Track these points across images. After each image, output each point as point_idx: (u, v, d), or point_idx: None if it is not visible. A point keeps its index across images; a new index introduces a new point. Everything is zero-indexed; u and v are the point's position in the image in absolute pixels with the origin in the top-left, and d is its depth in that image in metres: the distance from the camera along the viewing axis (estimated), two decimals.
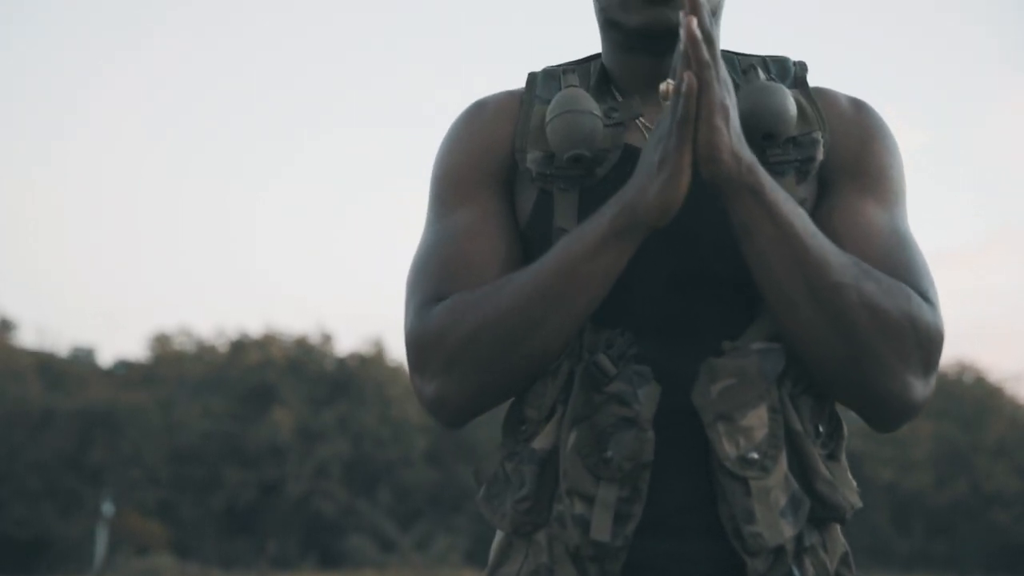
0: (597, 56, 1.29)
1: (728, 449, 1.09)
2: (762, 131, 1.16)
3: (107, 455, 27.50)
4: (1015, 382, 32.38)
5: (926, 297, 1.14)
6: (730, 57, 1.27)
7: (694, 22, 1.02)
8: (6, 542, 26.06)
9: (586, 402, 1.12)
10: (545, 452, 1.14)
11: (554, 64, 1.28)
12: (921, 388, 1.12)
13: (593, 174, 1.17)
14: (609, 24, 1.23)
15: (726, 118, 1.04)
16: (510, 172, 1.22)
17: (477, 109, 1.27)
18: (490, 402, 1.16)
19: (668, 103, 1.06)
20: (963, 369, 31.06)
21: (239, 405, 30.46)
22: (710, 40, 1.03)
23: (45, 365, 29.67)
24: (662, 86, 1.08)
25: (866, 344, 1.09)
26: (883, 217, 1.19)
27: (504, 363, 1.12)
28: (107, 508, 26.25)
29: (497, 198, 1.21)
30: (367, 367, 32.47)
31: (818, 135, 1.19)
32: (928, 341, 1.11)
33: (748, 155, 1.07)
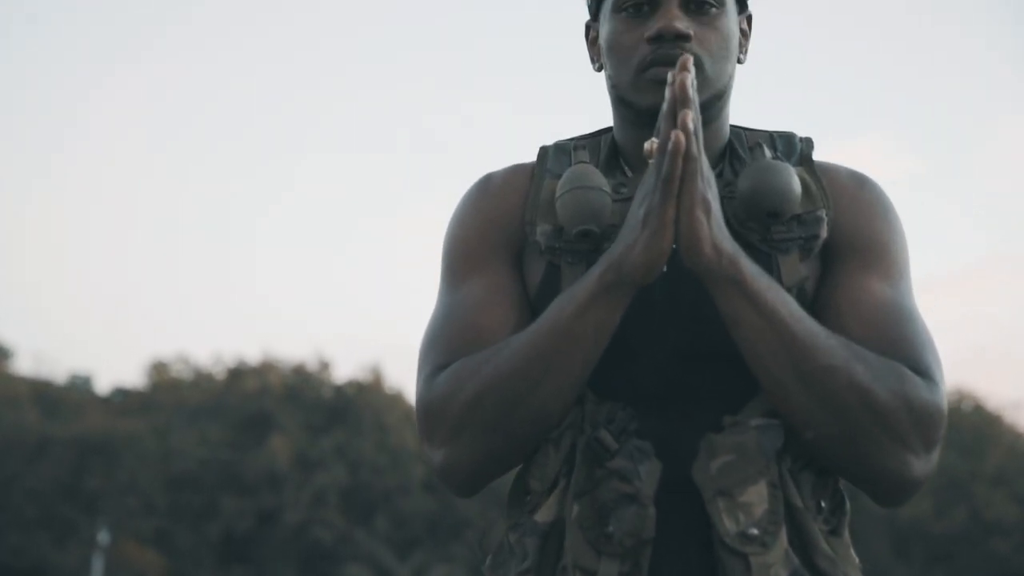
0: (608, 130, 1.31)
1: (728, 525, 1.11)
2: (767, 209, 1.18)
3: (103, 483, 27.38)
4: (1014, 410, 32.32)
5: (927, 374, 1.15)
6: (738, 132, 1.30)
7: (682, 79, 1.05)
8: (2, 571, 25.91)
9: (588, 477, 1.14)
10: (548, 524, 1.15)
11: (565, 138, 1.31)
12: (921, 465, 1.13)
13: (601, 249, 1.19)
14: (620, 101, 1.25)
15: (707, 211, 1.07)
16: (519, 243, 1.25)
17: (485, 183, 1.30)
18: (497, 468, 1.18)
19: (653, 161, 1.08)
20: (961, 397, 31.00)
21: (236, 433, 30.37)
22: (697, 135, 1.06)
23: (41, 392, 29.57)
24: (646, 145, 1.10)
25: (859, 425, 1.10)
26: (886, 293, 1.20)
27: (507, 425, 1.13)
28: (103, 537, 26.11)
29: (507, 269, 1.23)
30: (365, 394, 32.40)
31: (822, 213, 1.21)
32: (925, 419, 1.12)
33: (730, 247, 1.09)
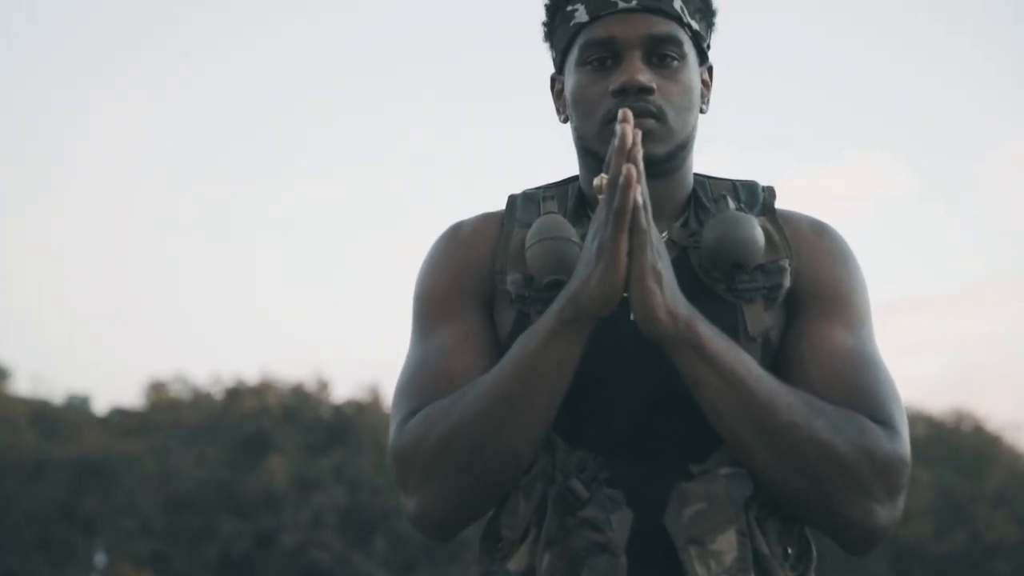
0: (575, 178, 1.33)
1: (700, 572, 1.13)
2: (731, 260, 1.21)
3: (100, 505, 27.32)
4: (1014, 430, 32.27)
5: (888, 423, 1.17)
6: (702, 182, 1.32)
7: (628, 128, 1.07)
8: None
9: (559, 526, 1.15)
10: (519, 573, 1.17)
11: (534, 187, 1.33)
12: (886, 513, 1.15)
13: None
14: (586, 152, 1.27)
15: (659, 280, 1.08)
16: (490, 292, 1.26)
17: (455, 231, 1.31)
18: (470, 512, 1.19)
19: (603, 196, 1.09)
20: (961, 418, 30.98)
21: (234, 453, 30.32)
22: (646, 207, 1.08)
23: (39, 413, 29.54)
24: (596, 180, 1.12)
25: (821, 479, 1.12)
26: (848, 341, 1.22)
27: (477, 466, 1.14)
28: (100, 559, 26.05)
29: (477, 316, 1.25)
30: (363, 414, 32.37)
31: (785, 262, 1.23)
32: (887, 469, 1.14)
33: (685, 311, 1.11)
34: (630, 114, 1.09)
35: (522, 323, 1.22)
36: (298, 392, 33.00)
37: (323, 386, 33.44)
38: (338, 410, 33.06)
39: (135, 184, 41.96)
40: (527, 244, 1.22)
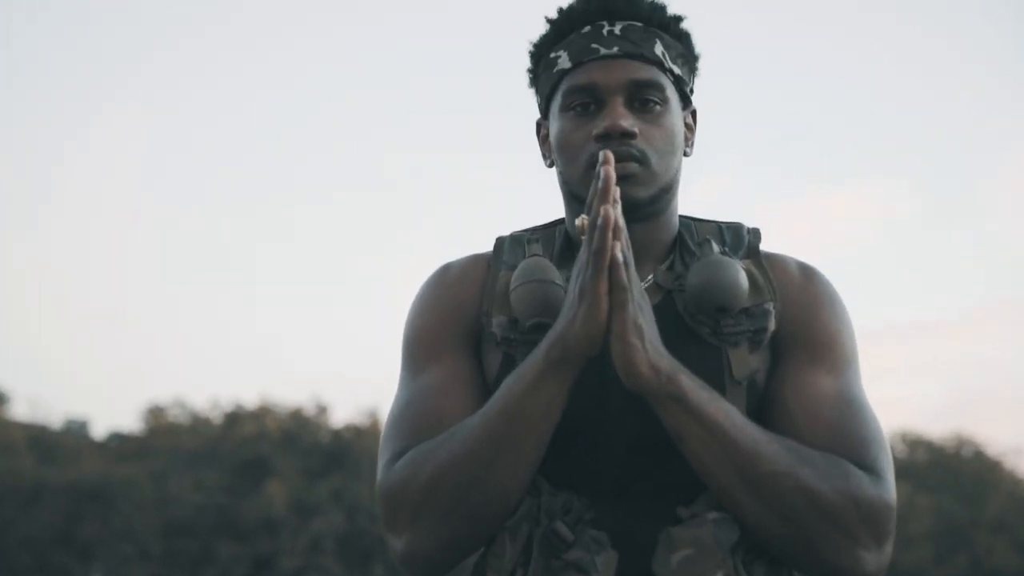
0: (562, 221, 1.34)
1: None
2: (715, 304, 1.21)
3: (98, 529, 27.21)
4: (1015, 456, 32.16)
5: (873, 469, 1.17)
6: (688, 224, 1.33)
7: (610, 171, 1.08)
8: None
9: (545, 568, 1.16)
10: None
11: (521, 229, 1.34)
12: (873, 559, 1.15)
13: None
14: (571, 196, 1.28)
15: (640, 335, 1.09)
16: (477, 332, 1.27)
17: (443, 273, 1.32)
18: (458, 553, 1.19)
19: (584, 237, 1.10)
20: (961, 442, 30.89)
21: (232, 478, 30.22)
22: (628, 263, 1.09)
23: (37, 438, 29.46)
24: (577, 221, 1.13)
25: (808, 527, 1.13)
26: (833, 386, 1.22)
27: (465, 507, 1.15)
28: None
29: (464, 358, 1.26)
30: (362, 439, 32.28)
31: (770, 305, 1.24)
32: (873, 515, 1.14)
33: (667, 365, 1.11)
34: (611, 155, 1.10)
35: (508, 365, 1.22)
36: (297, 417, 32.92)
37: (322, 410, 33.37)
38: (337, 435, 32.98)
39: (133, 208, 42.05)
40: (511, 287, 1.22)
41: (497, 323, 1.24)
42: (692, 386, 1.12)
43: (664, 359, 1.11)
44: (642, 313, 1.10)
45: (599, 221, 1.06)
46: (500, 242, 1.32)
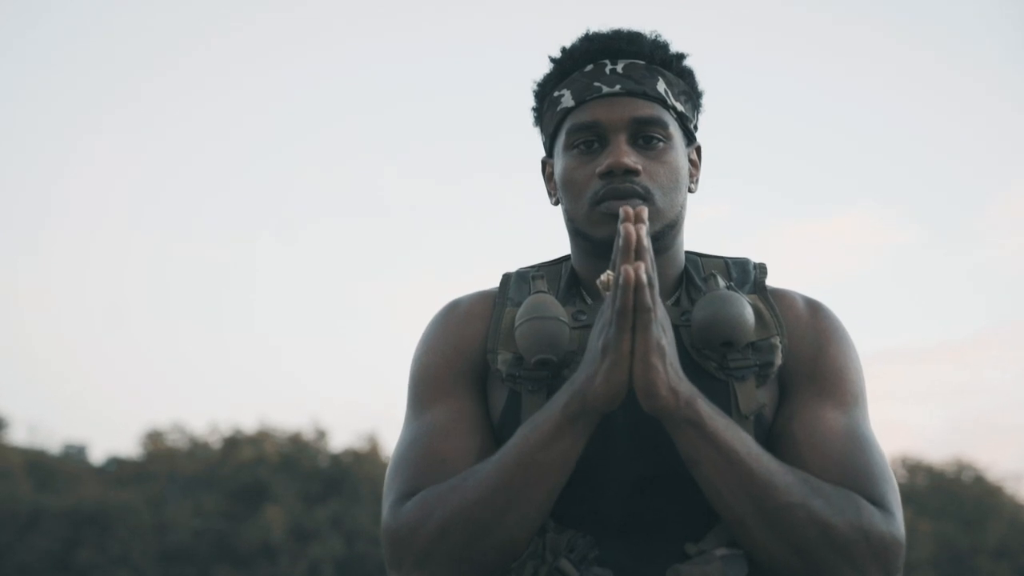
0: (568, 257, 1.34)
1: None
2: (721, 339, 1.21)
3: (96, 555, 27.10)
4: (1015, 481, 32.05)
5: (883, 504, 1.17)
6: (694, 260, 1.33)
7: (631, 228, 1.08)
8: None
9: None
10: None
11: (527, 266, 1.35)
12: None
13: (560, 376, 1.21)
14: (577, 233, 1.29)
15: (662, 356, 1.09)
16: (483, 370, 1.27)
17: (450, 310, 1.32)
18: None
19: (608, 294, 1.10)
20: (961, 467, 30.82)
21: (231, 503, 30.13)
22: (652, 284, 1.08)
23: (35, 463, 29.40)
24: (602, 276, 1.12)
25: (819, 560, 1.12)
26: (841, 421, 1.22)
27: (474, 555, 1.14)
28: None
29: (470, 396, 1.26)
30: (361, 463, 32.21)
31: (776, 340, 1.24)
32: (883, 550, 1.14)
33: (686, 388, 1.11)
34: (631, 211, 1.09)
35: (514, 402, 1.22)
36: (296, 441, 32.86)
37: (321, 435, 33.31)
38: (336, 459, 32.90)
39: (132, 233, 42.05)
40: (516, 324, 1.23)
41: (502, 360, 1.24)
42: (709, 412, 1.12)
43: (683, 383, 1.11)
44: (664, 335, 1.10)
45: (621, 280, 1.06)
46: (506, 278, 1.32)
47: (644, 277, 1.06)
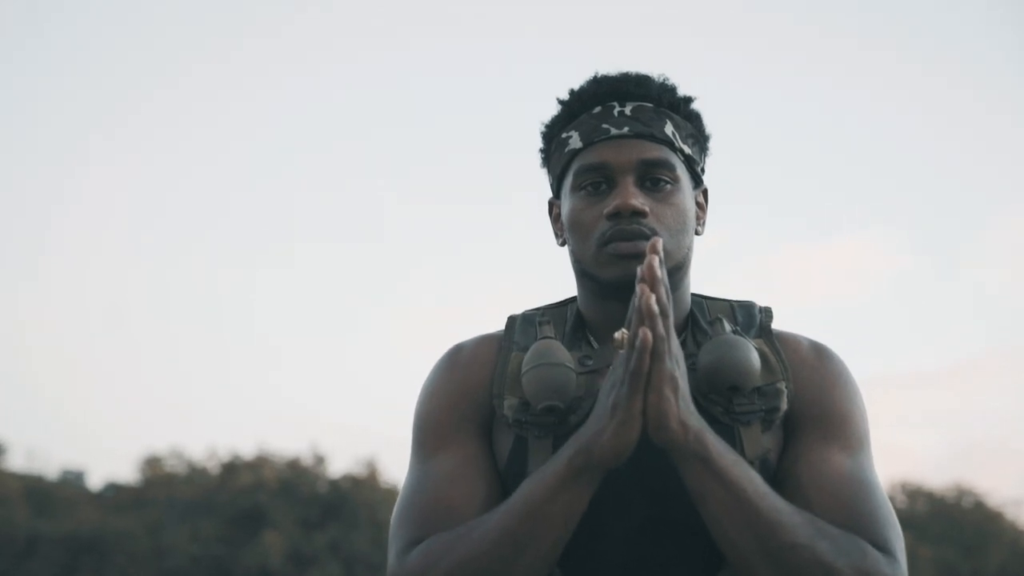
0: (574, 299, 1.34)
1: None
2: (727, 384, 1.21)
3: None
4: (1015, 507, 31.88)
5: (886, 549, 1.17)
6: (700, 303, 1.33)
7: (649, 293, 1.07)
8: None
9: None
10: None
11: (532, 308, 1.34)
12: None
13: (567, 422, 1.21)
14: (584, 275, 1.29)
15: (675, 389, 1.09)
16: (488, 415, 1.27)
17: (454, 355, 1.32)
18: None
19: (622, 352, 1.10)
20: (961, 493, 30.71)
21: (229, 528, 30.00)
22: (665, 314, 1.08)
23: (33, 488, 29.28)
24: (617, 334, 1.12)
25: None
26: (846, 465, 1.22)
27: None
28: None
29: (475, 441, 1.25)
30: (360, 489, 32.09)
31: (782, 385, 1.24)
32: None
33: (696, 423, 1.11)
34: (655, 243, 1.09)
35: (520, 447, 1.22)
36: (294, 466, 32.75)
37: (319, 460, 33.21)
38: (335, 485, 32.78)
39: (130, 258, 42.08)
40: (523, 370, 1.22)
41: (508, 405, 1.24)
42: (719, 447, 1.11)
43: (693, 416, 1.11)
44: (678, 368, 1.10)
45: (638, 342, 1.06)
46: (512, 321, 1.32)
47: (655, 307, 1.06)
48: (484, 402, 1.27)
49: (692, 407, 1.11)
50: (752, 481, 1.12)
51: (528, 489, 1.14)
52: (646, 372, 1.06)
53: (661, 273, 1.09)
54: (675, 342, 1.10)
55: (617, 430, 1.08)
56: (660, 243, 1.10)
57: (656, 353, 1.07)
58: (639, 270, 1.09)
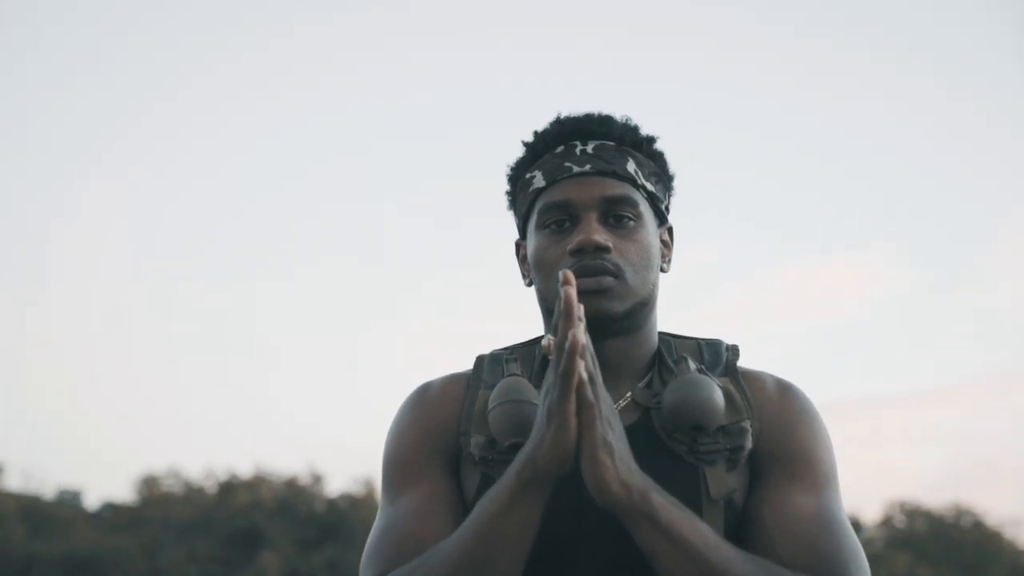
0: (541, 338, 1.34)
1: None
2: (691, 423, 1.21)
3: None
4: (1015, 527, 31.79)
5: None
6: (667, 341, 1.33)
7: (572, 292, 1.07)
8: None
9: None
10: None
11: (501, 348, 1.35)
12: None
13: None
14: (549, 313, 1.29)
15: (610, 452, 1.08)
16: (456, 453, 1.27)
17: (422, 393, 1.33)
18: None
19: (552, 358, 1.10)
20: (960, 513, 30.64)
21: (226, 549, 29.91)
22: (594, 381, 1.08)
23: (29, 508, 29.19)
24: (544, 341, 1.13)
25: None
26: (811, 504, 1.22)
27: None
28: None
29: (444, 479, 1.26)
30: (357, 508, 32.01)
31: (747, 423, 1.24)
32: None
33: (639, 482, 1.11)
34: (571, 275, 1.09)
35: (486, 485, 1.22)
36: (292, 486, 32.67)
37: (317, 480, 33.13)
38: (332, 504, 32.69)
39: (127, 277, 42.09)
40: (489, 407, 1.23)
41: (475, 443, 1.24)
42: (664, 504, 1.11)
43: (635, 476, 1.10)
44: (612, 430, 1.10)
45: (566, 344, 1.06)
46: (480, 360, 1.33)
47: (584, 374, 1.06)
48: (451, 440, 1.27)
49: (633, 465, 1.11)
50: (701, 533, 1.12)
51: (480, 510, 1.14)
52: (575, 373, 1.06)
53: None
54: (606, 404, 1.10)
55: (555, 435, 1.08)
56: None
57: (587, 420, 1.07)
58: (560, 273, 1.08)
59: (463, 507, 1.24)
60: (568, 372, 1.06)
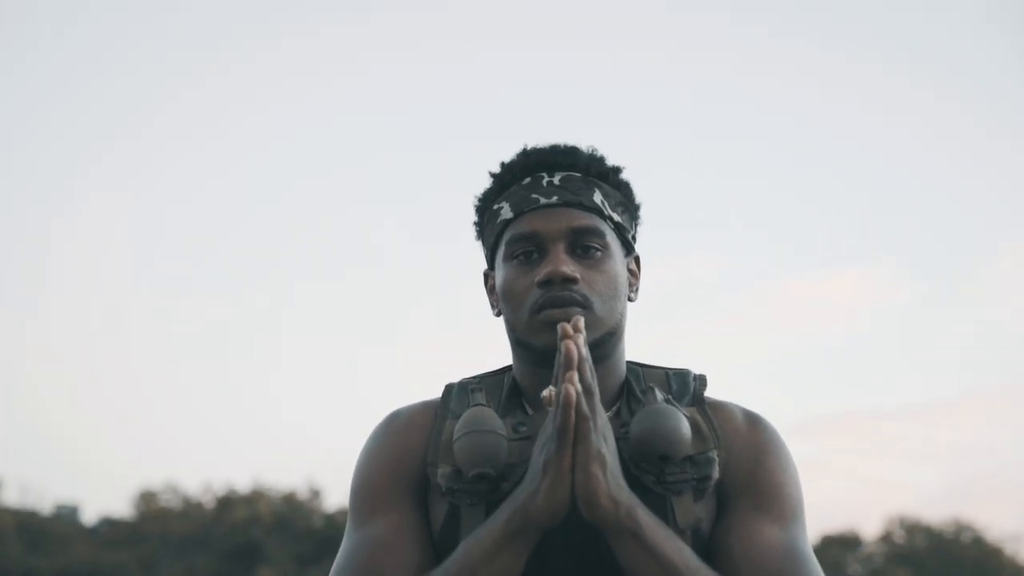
0: (510, 367, 1.35)
1: None
2: (657, 453, 1.21)
3: None
4: (1015, 542, 31.70)
5: None
6: (635, 370, 1.34)
7: (571, 345, 1.09)
8: None
9: None
10: None
11: (470, 376, 1.35)
12: None
13: (499, 489, 1.22)
14: (518, 343, 1.30)
15: (603, 466, 1.09)
16: (423, 483, 1.27)
17: (391, 421, 1.33)
18: None
19: (551, 410, 1.11)
20: (960, 528, 30.58)
21: (224, 564, 29.84)
22: (590, 392, 1.09)
23: (26, 524, 29.14)
24: (544, 392, 1.13)
25: None
26: (778, 536, 1.22)
27: None
28: None
29: (410, 508, 1.26)
30: None
31: (713, 453, 1.24)
32: None
33: (627, 498, 1.12)
34: (569, 328, 1.11)
35: (453, 515, 1.23)
36: (290, 501, 32.62)
37: (315, 494, 33.08)
38: (330, 519, 32.62)
39: (125, 292, 42.04)
40: (454, 437, 1.23)
41: (442, 473, 1.24)
42: (649, 522, 1.12)
43: (623, 492, 1.12)
44: (605, 444, 1.11)
45: (563, 398, 1.07)
46: (448, 389, 1.33)
47: (578, 386, 1.08)
48: (419, 469, 1.27)
49: (622, 482, 1.12)
50: (683, 555, 1.13)
51: (464, 552, 1.14)
52: (573, 428, 1.07)
53: (584, 352, 1.10)
54: (602, 419, 1.11)
55: (549, 488, 1.09)
56: (582, 322, 1.12)
57: (581, 432, 1.08)
58: (559, 327, 1.11)
59: (429, 539, 1.24)
60: (565, 427, 1.08)
